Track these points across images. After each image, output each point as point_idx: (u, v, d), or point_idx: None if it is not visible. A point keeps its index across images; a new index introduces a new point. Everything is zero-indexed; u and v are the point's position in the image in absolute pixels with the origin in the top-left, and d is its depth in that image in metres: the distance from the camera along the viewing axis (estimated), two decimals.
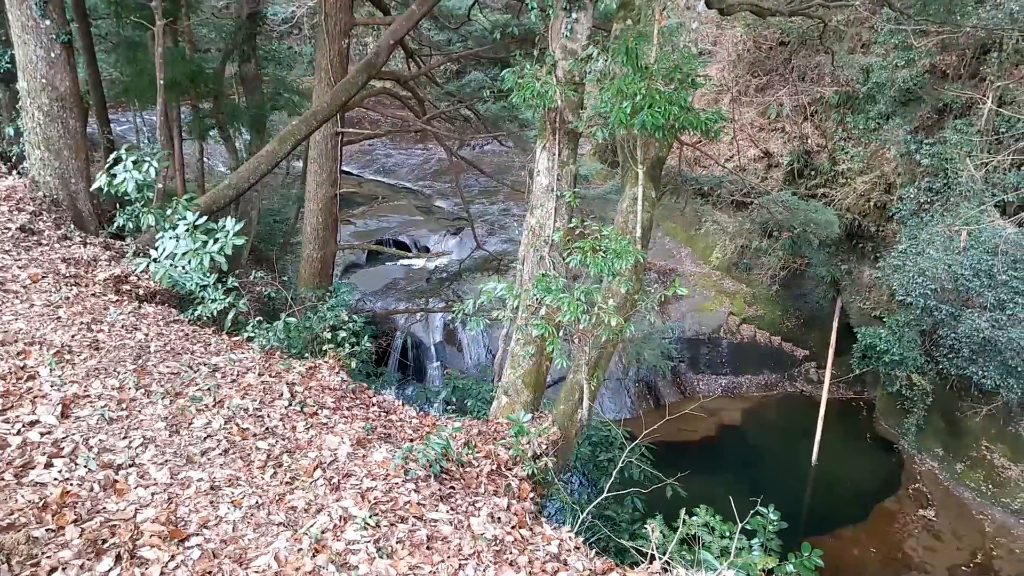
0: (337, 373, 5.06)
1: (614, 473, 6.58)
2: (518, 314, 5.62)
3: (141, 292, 6.72)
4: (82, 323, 4.82)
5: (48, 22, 7.64)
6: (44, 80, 7.85)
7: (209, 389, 4.16)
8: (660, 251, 22.47)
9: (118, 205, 8.26)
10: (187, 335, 5.29)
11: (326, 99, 8.97)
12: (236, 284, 6.35)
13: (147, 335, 4.92)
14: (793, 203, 13.62)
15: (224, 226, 6.69)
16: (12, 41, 10.42)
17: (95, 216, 8.72)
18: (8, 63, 9.62)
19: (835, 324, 17.24)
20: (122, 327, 4.97)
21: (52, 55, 7.79)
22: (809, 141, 20.12)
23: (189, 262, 6.45)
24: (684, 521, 3.79)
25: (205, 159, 15.73)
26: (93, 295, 5.83)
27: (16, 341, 4.45)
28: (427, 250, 22.87)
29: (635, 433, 8.55)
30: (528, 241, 5.35)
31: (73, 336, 4.59)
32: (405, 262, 21.81)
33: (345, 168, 22.27)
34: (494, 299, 5.08)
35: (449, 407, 6.90)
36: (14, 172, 8.82)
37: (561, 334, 5.04)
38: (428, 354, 18.45)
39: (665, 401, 18.23)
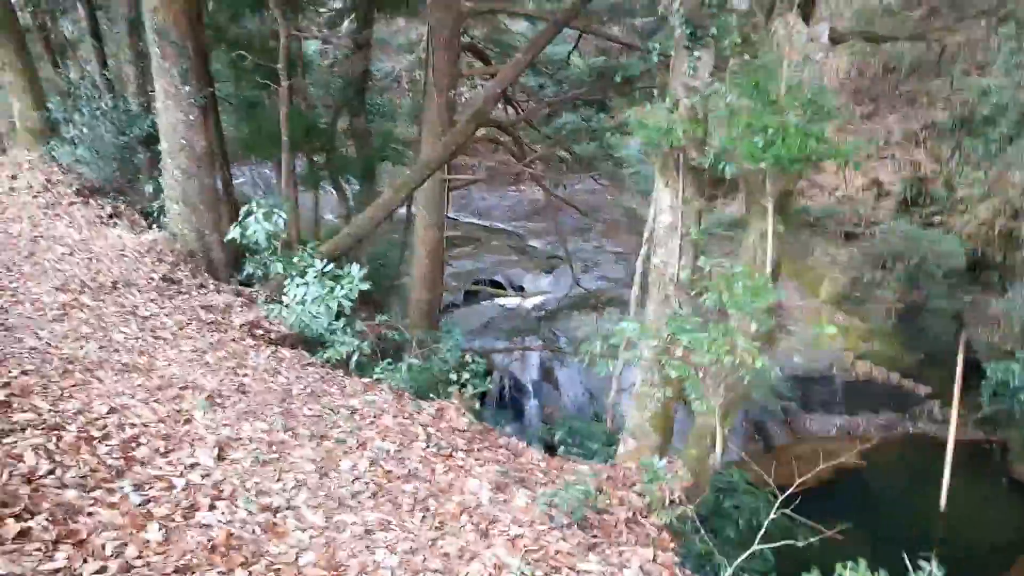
0: (463, 415, 5.08)
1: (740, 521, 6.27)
2: (640, 353, 5.50)
3: (273, 336, 7.00)
4: (228, 368, 5.05)
5: (188, 88, 8.25)
6: (183, 141, 8.45)
7: (351, 431, 4.25)
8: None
9: (246, 254, 8.73)
10: (322, 377, 5.45)
11: (438, 148, 9.24)
12: (363, 328, 6.53)
13: (288, 379, 5.10)
14: (912, 233, 12.89)
15: (350, 272, 6.94)
16: (152, 108, 11.37)
17: (226, 265, 9.24)
18: (149, 127, 10.44)
19: (960, 359, 16.04)
20: (264, 371, 5.17)
21: (191, 118, 8.39)
22: (922, 168, 19.12)
23: (318, 307, 6.72)
24: None
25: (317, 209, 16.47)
26: (233, 340, 6.12)
27: (171, 386, 4.70)
28: (522, 289, 23.01)
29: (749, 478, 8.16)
30: (652, 280, 5.26)
31: (221, 381, 4.81)
32: (501, 301, 22.01)
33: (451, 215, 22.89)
34: (600, 338, 5.00)
35: (568, 448, 6.79)
36: (154, 226, 9.49)
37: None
38: (526, 392, 18.42)
39: (776, 443, 17.40)
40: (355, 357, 6.51)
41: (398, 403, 5.04)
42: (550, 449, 8.57)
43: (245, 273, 8.72)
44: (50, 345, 5.24)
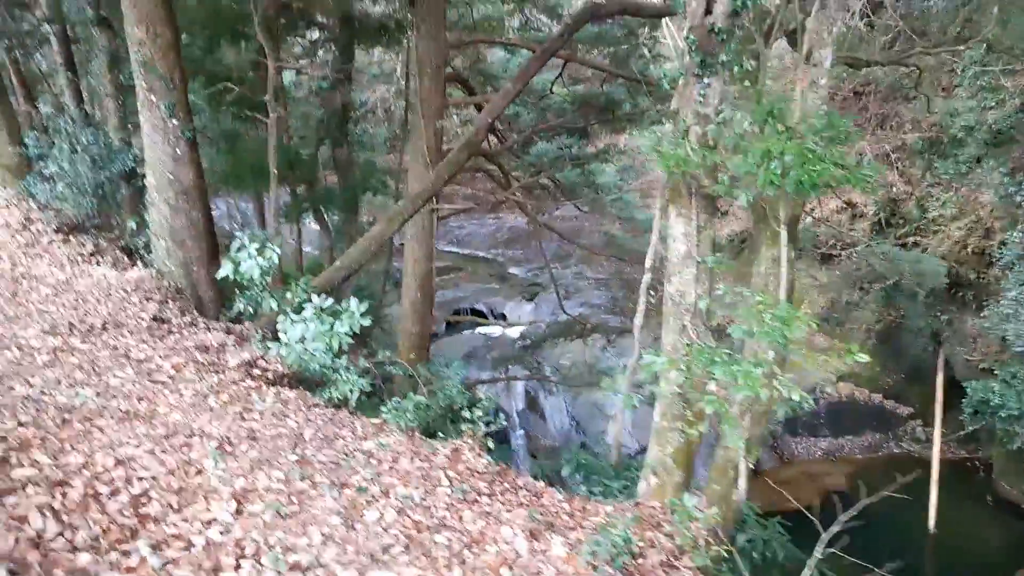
0: (479, 455, 4.90)
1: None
2: (660, 387, 5.37)
3: (271, 375, 6.76)
4: (234, 412, 4.82)
5: (175, 122, 8.05)
6: (171, 176, 8.23)
7: (372, 478, 4.05)
8: None
9: (237, 290, 8.49)
10: (331, 419, 5.24)
11: (430, 179, 9.13)
12: (367, 365, 6.33)
13: (297, 422, 4.88)
14: (893, 254, 13.04)
15: (349, 307, 6.75)
16: (135, 142, 11.11)
17: (214, 302, 8.98)
18: (132, 162, 10.19)
19: (939, 379, 16.18)
20: (272, 415, 4.95)
21: (178, 152, 8.18)
22: (894, 189, 19.47)
23: (318, 344, 6.51)
24: None
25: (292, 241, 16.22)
26: (233, 382, 5.88)
27: (177, 433, 4.46)
28: (504, 317, 22.87)
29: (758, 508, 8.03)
30: (666, 310, 5.16)
31: (229, 427, 4.58)
32: (484, 330, 21.81)
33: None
34: (621, 372, 4.88)
35: (578, 486, 6.61)
36: (139, 263, 9.20)
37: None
38: (512, 422, 18.17)
39: (763, 467, 17.37)
40: (355, 395, 6.30)
41: (412, 445, 4.85)
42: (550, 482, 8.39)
43: (236, 310, 8.46)
44: (44, 393, 4.96)
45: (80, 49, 13.24)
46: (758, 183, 4.44)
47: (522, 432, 18.73)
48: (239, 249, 7.62)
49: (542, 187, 17.37)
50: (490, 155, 13.21)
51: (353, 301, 6.75)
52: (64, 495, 3.61)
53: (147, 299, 8.08)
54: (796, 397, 3.90)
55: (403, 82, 19.78)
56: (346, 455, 4.42)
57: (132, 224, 10.19)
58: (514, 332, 20.81)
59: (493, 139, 15.08)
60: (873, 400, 18.70)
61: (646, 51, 13.02)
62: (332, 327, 6.53)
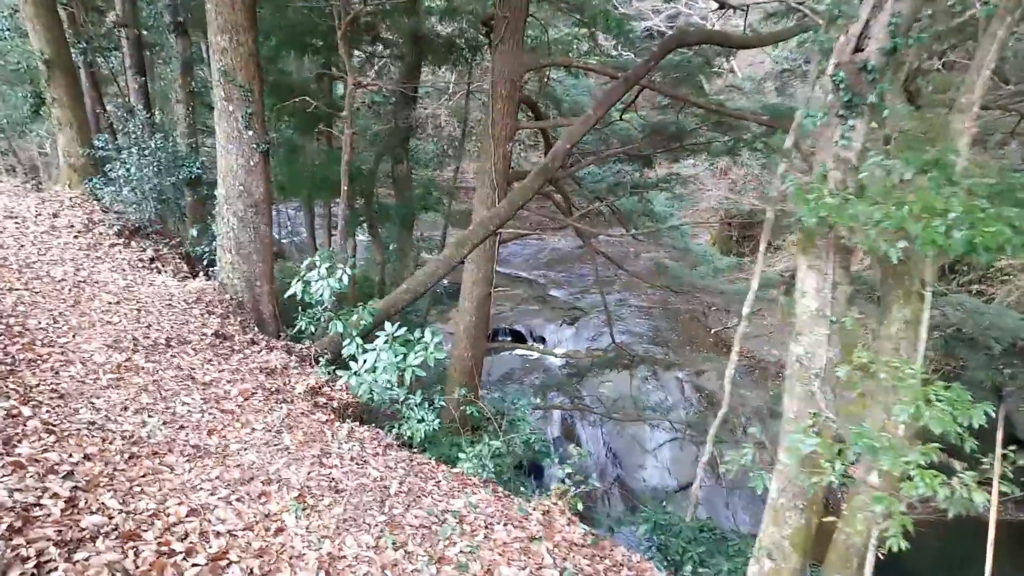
0: (572, 522, 4.37)
1: None
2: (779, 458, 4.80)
3: (336, 404, 6.32)
4: (312, 457, 4.35)
5: (251, 133, 7.72)
6: (241, 187, 7.89)
7: (471, 551, 3.55)
8: (785, 347, 20.99)
9: (300, 308, 8.11)
10: (411, 466, 4.75)
11: (499, 203, 8.69)
12: (443, 403, 5.84)
13: (379, 471, 4.39)
14: (973, 305, 12.24)
15: (422, 338, 6.28)
16: (201, 149, 10.86)
17: (275, 318, 8.60)
18: (198, 169, 9.92)
19: (999, 435, 15.25)
20: (351, 459, 4.48)
21: (251, 163, 7.84)
22: None
23: (390, 376, 6.04)
24: None
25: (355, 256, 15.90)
26: (302, 413, 5.44)
27: (253, 478, 4.00)
28: (543, 340, 22.30)
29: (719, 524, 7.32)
30: (790, 373, 4.60)
31: (308, 474, 4.11)
32: (520, 352, 21.22)
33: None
34: (751, 448, 4.31)
35: (661, 554, 6.00)
36: (200, 273, 8.88)
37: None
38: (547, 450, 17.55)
39: None
40: (424, 434, 5.82)
41: (501, 505, 4.33)
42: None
43: (297, 329, 8.07)
44: (109, 419, 4.55)
45: (151, 54, 13.14)
46: (918, 242, 3.87)
47: (558, 461, 18.04)
48: (310, 268, 7.24)
49: (598, 213, 16.90)
50: (553, 180, 12.74)
51: (427, 331, 6.27)
52: (137, 552, 3.16)
53: (209, 312, 7.71)
54: (979, 500, 3.33)
55: (462, 100, 19.50)
56: (437, 517, 3.92)
57: (193, 232, 9.90)
58: (555, 359, 20.12)
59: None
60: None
61: (717, 81, 12.49)
62: (405, 358, 6.05)
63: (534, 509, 4.32)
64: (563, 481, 4.80)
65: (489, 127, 10.11)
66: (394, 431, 6.00)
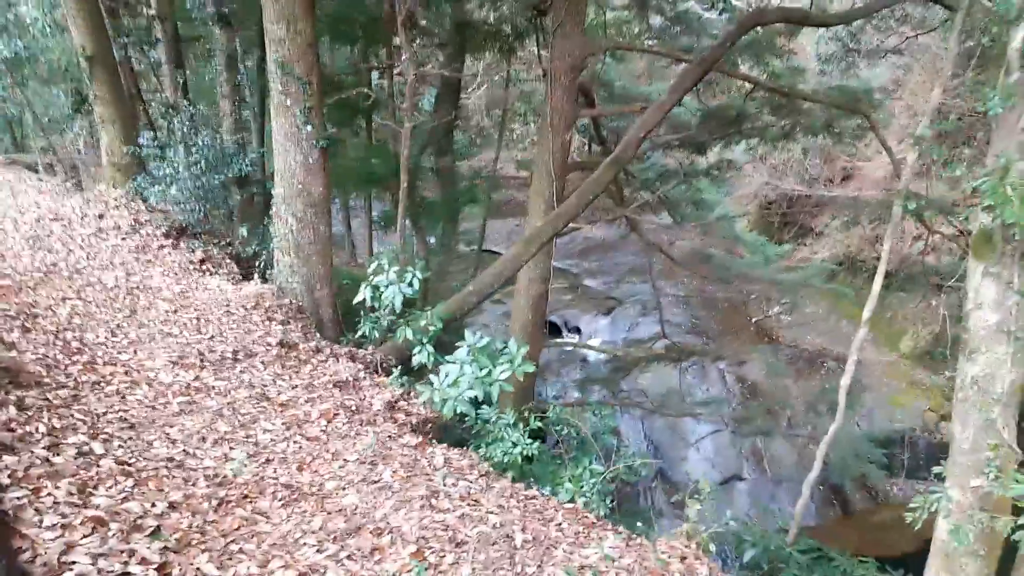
0: (715, 573, 3.76)
1: None
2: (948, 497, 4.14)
3: (414, 421, 5.76)
4: (420, 498, 3.77)
5: (310, 128, 7.13)
6: (300, 186, 7.32)
7: None
8: (836, 335, 20.30)
9: (362, 312, 7.54)
10: (526, 505, 4.16)
11: (572, 199, 8.05)
12: (538, 424, 5.24)
13: (493, 512, 3.80)
14: None
15: (506, 349, 5.66)
16: (249, 146, 10.30)
17: (334, 322, 8.06)
18: (248, 167, 9.37)
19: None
20: (460, 498, 3.90)
21: (310, 161, 7.26)
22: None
23: (475, 392, 5.44)
24: None
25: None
26: (390, 437, 4.88)
27: (360, 528, 3.43)
28: (579, 331, 21.65)
29: (824, 544, 6.69)
30: (962, 397, 3.95)
31: (420, 521, 3.53)
32: (557, 341, 20.58)
33: (493, 248, 21.63)
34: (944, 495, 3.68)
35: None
36: (255, 276, 8.34)
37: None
38: (586, 442, 16.96)
39: (855, 508, 15.78)
40: (520, 457, 5.23)
41: (637, 555, 3.72)
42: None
43: (360, 334, 7.49)
44: (188, 453, 4.01)
45: (189, 49, 12.61)
46: None
47: (593, 456, 17.51)
48: (377, 273, 6.64)
49: (646, 201, 16.22)
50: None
51: (512, 343, 5.65)
52: None
53: (270, 319, 7.17)
54: None
55: (502, 89, 18.80)
56: (570, 574, 3.33)
57: (243, 232, 9.37)
58: (591, 352, 19.33)
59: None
60: None
61: (774, 62, 11.66)
62: (490, 373, 5.45)
63: (671, 558, 3.71)
64: (693, 520, 4.19)
65: (548, 115, 9.44)
66: (480, 451, 5.43)
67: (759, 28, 9.91)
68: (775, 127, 12.27)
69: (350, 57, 14.01)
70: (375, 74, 13.79)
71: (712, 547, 4.10)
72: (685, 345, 16.84)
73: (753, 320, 21.60)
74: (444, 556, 3.27)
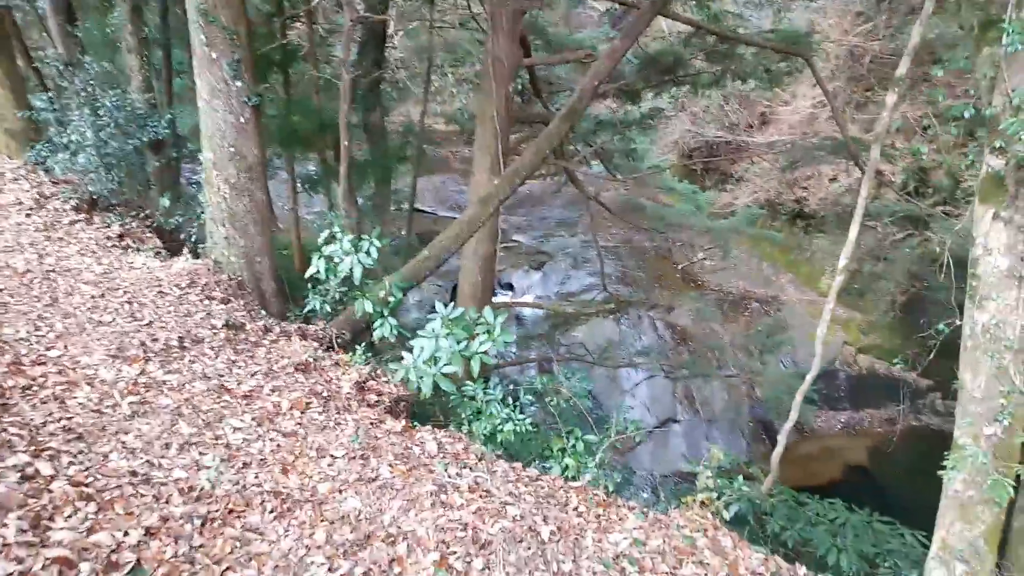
0: (739, 545, 3.58)
1: None
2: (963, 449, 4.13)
3: (387, 402, 5.33)
4: (428, 494, 3.39)
5: (239, 84, 6.36)
6: (232, 149, 6.57)
7: None
8: (758, 277, 20.99)
9: (309, 284, 6.94)
10: (535, 489, 3.85)
11: (528, 153, 7.63)
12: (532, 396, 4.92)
13: (508, 502, 3.48)
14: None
15: (483, 319, 5.29)
16: (161, 106, 9.27)
17: (278, 297, 7.42)
18: (166, 128, 8.40)
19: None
20: (469, 489, 3.55)
21: (242, 120, 6.51)
22: (924, 157, 18.37)
23: (453, 367, 5.06)
24: None
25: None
26: (371, 423, 4.45)
27: (369, 537, 3.03)
28: (511, 287, 21.46)
29: (759, 477, 6.96)
30: (972, 344, 3.88)
31: (435, 522, 3.17)
32: (499, 302, 20.33)
33: (419, 207, 20.97)
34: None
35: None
36: (185, 252, 7.53)
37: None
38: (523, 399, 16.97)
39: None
40: (511, 436, 4.92)
41: (662, 534, 3.50)
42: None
43: (308, 308, 6.92)
44: (152, 464, 3.46)
45: None
46: None
47: (535, 409, 17.60)
48: (329, 241, 6.06)
49: (576, 151, 15.94)
50: (546, 121, 11.64)
51: (487, 312, 5.28)
52: None
53: (209, 298, 6.49)
54: None
55: (424, 36, 17.84)
56: (617, 571, 3.06)
57: (164, 202, 8.46)
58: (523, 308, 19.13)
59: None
60: (893, 373, 17.94)
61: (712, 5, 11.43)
62: (467, 345, 5.06)
63: (694, 532, 3.51)
64: (709, 490, 3.99)
65: (490, 63, 8.87)
66: (463, 429, 5.08)
67: None
68: (707, 73, 12.16)
69: (263, 4, 12.85)
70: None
71: (726, 514, 3.95)
72: (620, 296, 16.90)
73: (679, 267, 21.96)
74: (471, 561, 2.93)
